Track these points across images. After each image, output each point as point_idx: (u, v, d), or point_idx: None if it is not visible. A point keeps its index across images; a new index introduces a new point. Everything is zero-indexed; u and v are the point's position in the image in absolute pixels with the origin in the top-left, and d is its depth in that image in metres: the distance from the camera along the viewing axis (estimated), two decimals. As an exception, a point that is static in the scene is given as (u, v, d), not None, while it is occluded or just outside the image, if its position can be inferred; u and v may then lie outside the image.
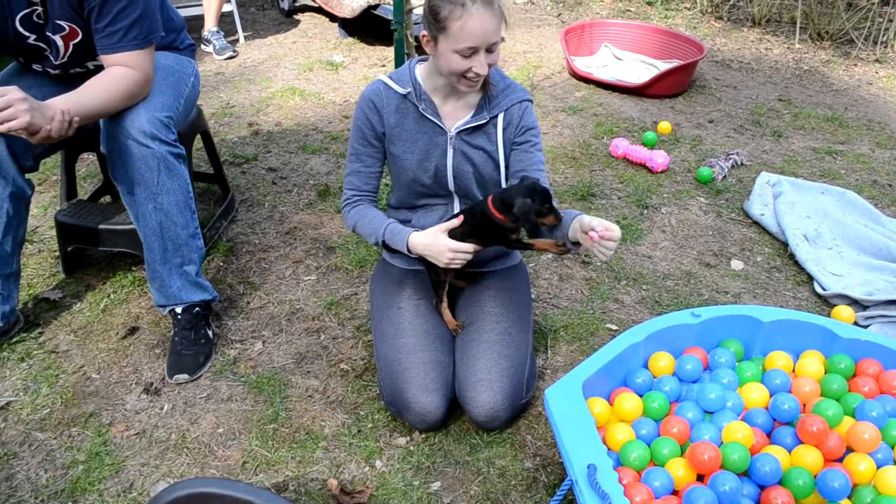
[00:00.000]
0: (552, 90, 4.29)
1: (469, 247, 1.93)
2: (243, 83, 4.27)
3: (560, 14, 5.83)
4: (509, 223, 1.89)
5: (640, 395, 1.88)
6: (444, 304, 2.07)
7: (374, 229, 2.02)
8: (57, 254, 2.63)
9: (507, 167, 2.06)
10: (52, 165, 3.13)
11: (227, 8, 4.84)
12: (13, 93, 1.72)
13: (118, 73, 1.98)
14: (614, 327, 2.37)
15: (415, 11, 3.20)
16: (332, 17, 5.20)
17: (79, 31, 2.04)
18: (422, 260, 2.03)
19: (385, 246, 2.05)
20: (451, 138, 1.99)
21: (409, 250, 1.98)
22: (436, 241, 1.93)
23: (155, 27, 2.02)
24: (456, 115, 1.99)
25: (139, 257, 2.62)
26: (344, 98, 4.07)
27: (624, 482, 1.60)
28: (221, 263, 2.67)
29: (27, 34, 2.03)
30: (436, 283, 2.07)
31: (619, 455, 1.71)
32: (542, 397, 2.06)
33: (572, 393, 1.72)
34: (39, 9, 1.96)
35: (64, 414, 2.04)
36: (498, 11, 1.76)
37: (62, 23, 2.00)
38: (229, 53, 4.62)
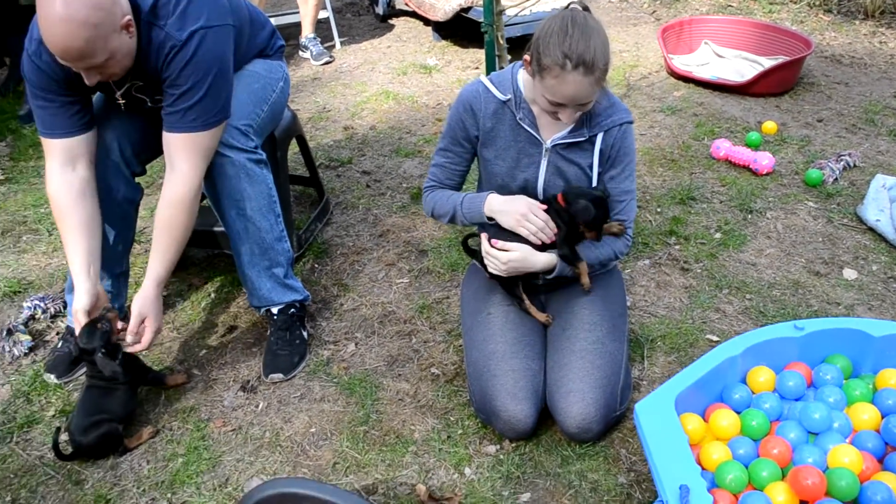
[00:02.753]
0: (649, 90, 4.17)
1: (543, 213, 1.92)
2: (339, 87, 4.35)
3: (655, 11, 5.66)
4: (563, 214, 1.94)
5: (738, 413, 1.79)
6: (527, 303, 2.04)
7: (453, 203, 2.03)
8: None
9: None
10: (158, 169, 3.26)
11: (323, 14, 4.94)
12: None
13: (172, 205, 2.01)
14: (715, 338, 2.27)
15: (506, 13, 3.17)
16: (426, 21, 5.23)
17: None
18: (496, 276, 2.03)
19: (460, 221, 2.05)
20: (546, 151, 1.95)
21: (486, 215, 1.97)
22: (516, 199, 1.93)
23: (218, 112, 1.99)
24: (554, 128, 1.95)
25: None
26: (437, 101, 4.08)
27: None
28: (316, 265, 2.72)
29: (122, 101, 2.10)
30: (510, 292, 2.06)
31: (714, 476, 1.64)
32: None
33: (664, 408, 1.66)
34: (139, 83, 2.03)
35: (166, 408, 2.13)
36: (599, 75, 1.74)
37: (159, 97, 2.06)
38: (326, 59, 4.71)
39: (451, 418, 2.04)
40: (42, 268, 2.80)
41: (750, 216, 2.93)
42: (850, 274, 2.59)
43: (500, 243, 1.95)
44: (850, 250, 2.72)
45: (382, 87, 4.31)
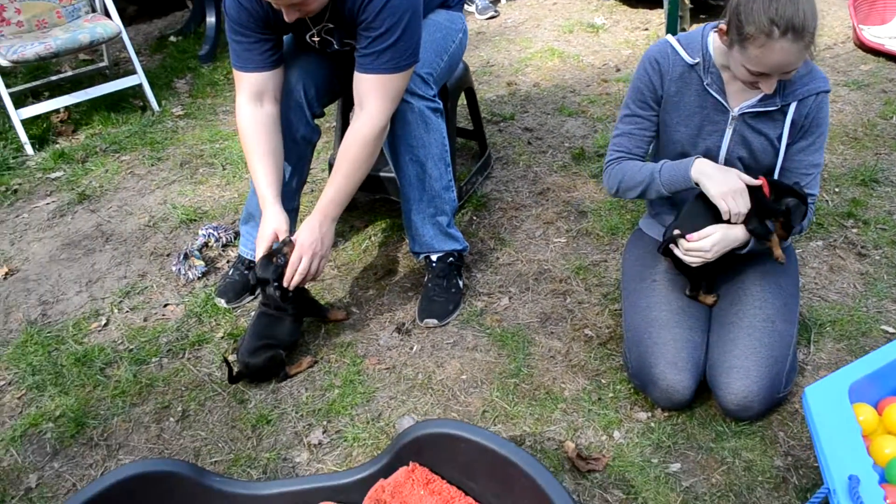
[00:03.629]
0: (833, 62, 3.89)
1: (748, 200, 1.82)
2: (503, 43, 4.34)
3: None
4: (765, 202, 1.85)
5: (917, 408, 1.68)
6: (702, 293, 1.98)
7: (648, 172, 1.94)
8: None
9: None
10: (328, 113, 3.39)
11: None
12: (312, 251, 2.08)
13: (358, 141, 2.07)
14: (891, 330, 2.13)
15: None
16: (595, -22, 5.10)
17: None
18: (674, 261, 1.96)
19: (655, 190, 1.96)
20: (732, 118, 1.87)
21: (692, 176, 1.86)
22: (730, 171, 1.84)
23: (410, 55, 2.03)
24: (742, 96, 1.86)
25: (396, 204, 2.79)
26: (603, 61, 3.99)
27: (888, 501, 1.44)
28: (475, 217, 2.76)
29: (313, 44, 2.19)
30: (698, 281, 1.98)
31: (885, 470, 1.56)
32: (799, 394, 1.91)
33: (837, 395, 1.58)
34: (329, 25, 2.10)
35: (326, 341, 2.25)
36: (808, 40, 1.62)
37: (348, 40, 2.13)
38: (491, 13, 4.70)
39: (603, 381, 2.04)
40: (216, 199, 3.00)
41: (939, 201, 2.70)
42: None
43: (694, 234, 1.86)
44: None
45: (547, 44, 4.26)
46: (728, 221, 1.84)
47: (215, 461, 1.88)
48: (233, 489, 1.64)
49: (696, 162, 1.86)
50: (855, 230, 2.57)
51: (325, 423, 1.98)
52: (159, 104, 3.78)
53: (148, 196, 3.05)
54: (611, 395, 1.99)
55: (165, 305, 2.44)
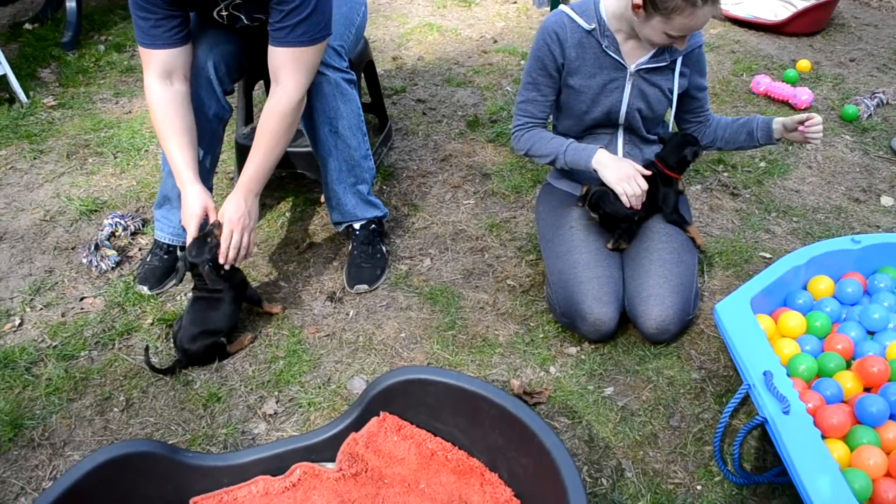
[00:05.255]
0: (683, 27, 4.26)
1: (644, 183, 2.05)
2: (380, 19, 4.42)
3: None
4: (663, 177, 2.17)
5: (803, 315, 1.97)
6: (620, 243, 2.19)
7: (555, 147, 2.15)
8: (231, 175, 2.87)
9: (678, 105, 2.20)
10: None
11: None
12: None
13: (276, 113, 2.09)
14: (768, 255, 2.45)
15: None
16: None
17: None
18: (602, 217, 2.17)
19: (559, 165, 2.18)
20: (630, 75, 2.08)
21: (592, 165, 2.09)
22: (624, 161, 2.06)
23: (323, 28, 2.06)
24: (636, 54, 2.08)
25: (305, 179, 2.84)
26: (480, 34, 4.17)
27: (797, 389, 1.70)
28: (384, 187, 2.86)
29: (220, 20, 2.18)
30: (614, 228, 2.19)
31: (788, 367, 1.82)
32: (703, 316, 2.18)
33: (742, 307, 1.84)
34: (237, 0, 2.09)
35: (261, 317, 2.28)
36: (718, 4, 1.85)
37: (258, 14, 2.14)
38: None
39: (532, 324, 2.21)
40: (113, 188, 2.91)
41: (791, 147, 3.08)
42: (887, 201, 2.76)
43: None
44: (885, 180, 2.88)
45: (424, 19, 4.38)
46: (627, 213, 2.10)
47: (172, 444, 1.89)
48: (208, 462, 1.66)
49: (596, 153, 2.09)
50: (726, 174, 2.90)
51: (276, 393, 2.02)
52: (27, 95, 3.57)
53: (37, 190, 2.91)
54: (541, 335, 2.17)
55: (82, 299, 2.38)
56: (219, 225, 2.08)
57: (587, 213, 2.20)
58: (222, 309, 2.12)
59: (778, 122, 2.15)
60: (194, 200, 2.09)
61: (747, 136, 2.22)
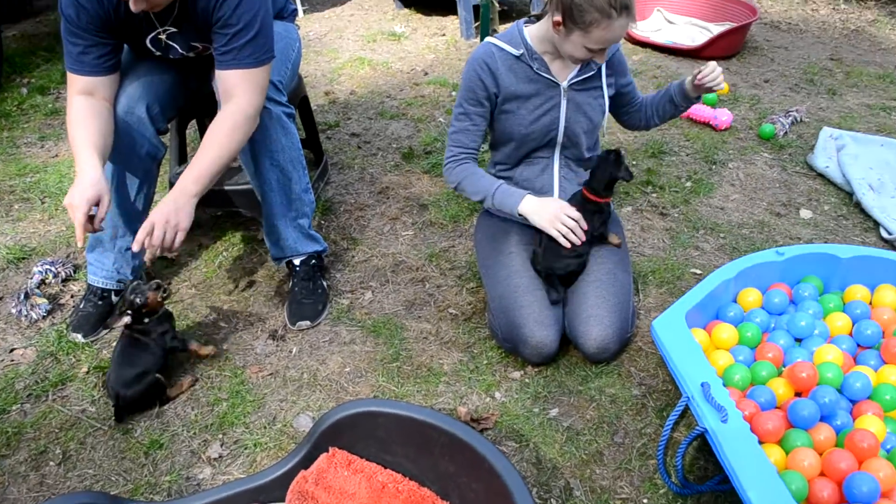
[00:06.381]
0: (607, 55, 4.42)
1: (576, 213, 2.12)
2: (311, 55, 4.45)
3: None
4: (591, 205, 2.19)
5: (735, 326, 2.04)
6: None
7: (485, 188, 2.20)
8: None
9: (610, 110, 2.31)
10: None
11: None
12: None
13: (228, 123, 2.05)
14: (699, 271, 2.54)
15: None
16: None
17: (209, 47, 2.17)
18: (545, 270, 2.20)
19: (487, 207, 2.23)
20: (564, 91, 2.15)
21: (518, 212, 2.16)
22: (549, 202, 2.13)
23: (268, 50, 2.09)
24: (565, 71, 2.16)
25: (242, 217, 2.82)
26: (411, 66, 4.23)
27: (733, 399, 1.77)
28: (323, 222, 2.86)
29: (154, 50, 2.18)
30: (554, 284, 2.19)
31: (723, 377, 1.89)
32: (640, 335, 2.24)
33: (677, 322, 1.90)
34: (172, 29, 2.10)
35: (201, 360, 2.23)
36: (634, 15, 1.93)
37: (196, 43, 2.15)
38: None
39: (475, 351, 2.24)
40: (42, 234, 2.84)
41: (714, 167, 3.21)
42: (805, 214, 2.89)
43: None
44: (803, 194, 3.03)
45: (354, 53, 4.43)
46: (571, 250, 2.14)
47: (114, 494, 1.83)
48: (152, 509, 1.63)
49: (522, 201, 2.16)
50: (654, 195, 3.00)
51: (220, 436, 1.98)
52: (-55, 143, 3.47)
53: (-41, 240, 2.82)
54: (485, 362, 2.20)
55: (12, 350, 2.30)
56: (157, 287, 2.06)
57: (524, 239, 2.25)
58: (151, 349, 2.07)
59: (687, 82, 2.24)
60: (88, 186, 1.95)
61: (671, 105, 2.34)
